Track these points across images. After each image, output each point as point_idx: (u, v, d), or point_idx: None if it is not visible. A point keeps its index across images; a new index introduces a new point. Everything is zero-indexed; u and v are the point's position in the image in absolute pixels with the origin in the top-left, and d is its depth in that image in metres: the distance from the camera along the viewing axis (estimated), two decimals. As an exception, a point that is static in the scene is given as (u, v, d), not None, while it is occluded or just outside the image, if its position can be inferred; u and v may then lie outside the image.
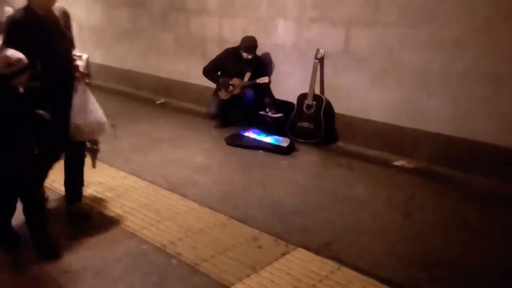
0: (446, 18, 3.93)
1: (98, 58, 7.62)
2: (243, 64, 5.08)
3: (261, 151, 4.52)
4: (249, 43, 5.02)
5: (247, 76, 5.05)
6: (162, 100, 6.38)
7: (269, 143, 4.59)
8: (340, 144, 4.77)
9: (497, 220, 3.32)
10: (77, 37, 7.82)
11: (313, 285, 2.50)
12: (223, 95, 5.14)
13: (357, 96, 4.64)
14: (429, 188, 3.81)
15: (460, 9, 3.84)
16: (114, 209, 3.30)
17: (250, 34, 5.25)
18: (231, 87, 5.07)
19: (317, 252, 2.82)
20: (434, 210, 3.44)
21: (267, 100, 5.01)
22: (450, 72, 3.99)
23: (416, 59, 4.16)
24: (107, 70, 7.46)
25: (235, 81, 5.07)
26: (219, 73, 5.18)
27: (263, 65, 5.22)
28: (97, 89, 6.96)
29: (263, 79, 5.01)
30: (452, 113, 4.05)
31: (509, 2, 3.59)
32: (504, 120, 3.77)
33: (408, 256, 2.82)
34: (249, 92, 5.05)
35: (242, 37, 5.09)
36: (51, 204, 3.34)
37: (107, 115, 3.31)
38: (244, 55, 5.04)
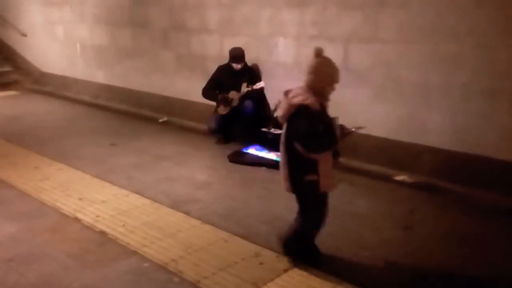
0: (444, 34, 3.97)
1: (101, 78, 7.73)
2: (237, 76, 5.17)
3: (263, 168, 4.53)
4: (235, 53, 5.16)
5: (244, 86, 5.12)
6: (164, 119, 6.43)
7: (271, 160, 4.60)
8: (341, 159, 4.76)
9: (498, 233, 3.30)
10: (81, 57, 8.01)
11: (315, 301, 2.49)
12: (222, 110, 5.21)
13: (358, 111, 4.66)
14: (429, 202, 3.81)
15: (458, 25, 3.88)
16: (115, 227, 3.31)
17: (251, 52, 5.33)
18: (230, 101, 5.13)
19: (319, 267, 2.81)
20: (434, 224, 3.43)
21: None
22: (449, 87, 4.02)
23: (415, 75, 4.19)
24: (110, 89, 7.55)
25: (233, 93, 5.14)
26: (217, 91, 5.24)
27: (256, 73, 5.33)
28: (100, 109, 7.13)
29: (258, 84, 5.09)
30: (451, 127, 4.07)
31: (507, 18, 3.64)
32: (503, 134, 3.78)
33: (410, 270, 2.82)
34: (248, 103, 5.10)
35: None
36: (52, 222, 3.37)
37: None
38: (234, 66, 5.16)
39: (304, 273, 2.76)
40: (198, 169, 4.54)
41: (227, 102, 5.16)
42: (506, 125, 3.76)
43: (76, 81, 8.27)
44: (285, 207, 3.68)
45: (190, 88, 5.94)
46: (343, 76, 4.63)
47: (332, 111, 4.78)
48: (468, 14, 3.82)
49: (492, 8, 3.68)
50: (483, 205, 3.70)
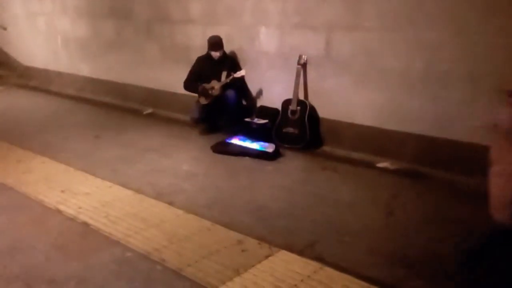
0: (424, 22, 4.00)
1: (85, 71, 7.67)
2: (216, 66, 5.18)
3: (247, 158, 4.55)
4: (213, 40, 5.17)
5: (224, 75, 5.13)
6: (149, 111, 6.41)
7: (255, 150, 4.62)
8: (325, 148, 4.82)
9: (479, 217, 3.35)
10: (63, 50, 7.97)
11: (295, 285, 2.52)
12: (203, 100, 5.21)
13: (341, 100, 4.70)
14: (412, 188, 3.86)
15: (438, 13, 3.92)
16: (98, 218, 3.31)
17: (234, 41, 5.33)
18: (210, 91, 5.13)
19: (301, 253, 2.84)
20: (416, 209, 3.48)
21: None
22: (430, 74, 4.06)
23: (397, 62, 4.23)
24: (94, 82, 7.50)
25: (213, 83, 5.15)
26: (199, 83, 5.24)
27: (236, 61, 5.36)
28: (85, 102, 7.09)
29: (240, 73, 5.10)
30: (433, 114, 4.11)
31: (485, 5, 3.67)
32: (483, 120, 3.83)
33: (391, 254, 2.86)
34: (230, 93, 5.11)
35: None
36: (34, 214, 3.37)
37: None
38: (213, 54, 5.17)
39: (286, 259, 2.79)
40: (183, 160, 4.55)
41: (207, 92, 5.16)
42: (486, 110, 3.81)
43: (59, 74, 8.20)
44: (268, 196, 3.73)
45: (175, 80, 5.92)
46: (325, 65, 4.71)
47: (314, 100, 4.85)
48: (448, 2, 3.85)
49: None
50: (465, 189, 3.76)
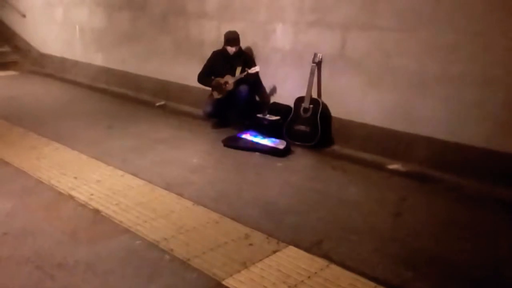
0: (441, 22, 3.99)
1: (100, 61, 7.74)
2: (231, 61, 5.20)
3: (257, 153, 4.58)
4: (230, 35, 5.19)
5: (238, 70, 5.15)
6: (161, 102, 6.46)
7: (266, 145, 4.64)
8: (335, 147, 4.82)
9: (486, 222, 3.37)
10: (80, 40, 8.04)
11: (302, 281, 2.55)
12: (216, 95, 5.24)
13: (353, 99, 4.70)
14: (421, 190, 3.86)
15: (455, 13, 3.90)
16: (109, 205, 3.36)
17: (248, 37, 5.35)
18: (224, 85, 5.16)
19: (308, 250, 2.86)
20: (425, 212, 3.49)
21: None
22: (445, 76, 4.04)
23: (412, 63, 4.22)
24: (108, 72, 7.57)
25: (227, 78, 5.17)
26: (212, 77, 5.27)
27: (251, 57, 5.36)
28: (98, 91, 7.16)
29: (254, 69, 5.11)
30: (445, 117, 4.10)
31: (504, 6, 3.65)
32: (496, 124, 3.82)
33: (397, 254, 2.87)
34: (243, 88, 5.13)
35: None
36: (47, 199, 3.42)
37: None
38: (229, 49, 5.19)
39: (292, 255, 2.81)
40: (193, 153, 4.59)
41: (220, 86, 5.19)
42: (499, 115, 3.79)
43: (75, 63, 8.28)
44: (277, 192, 3.75)
45: (188, 73, 5.96)
46: (339, 64, 4.71)
47: (326, 99, 4.85)
48: (465, 2, 3.83)
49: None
50: (474, 194, 3.75)
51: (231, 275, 2.58)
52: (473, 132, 3.94)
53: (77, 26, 8.04)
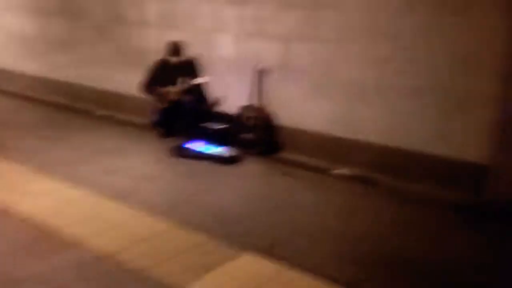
0: (376, 36, 4.23)
1: (33, 70, 7.39)
2: (175, 70, 5.17)
3: (206, 162, 4.58)
4: (171, 46, 5.17)
5: (181, 80, 5.12)
6: (102, 112, 6.26)
7: (214, 154, 4.65)
8: (284, 154, 4.92)
9: (429, 221, 3.59)
10: (9, 48, 7.58)
11: (260, 286, 2.58)
12: (161, 104, 5.19)
13: (297, 108, 4.83)
14: (365, 194, 4.04)
15: (387, 28, 4.15)
16: (58, 220, 3.22)
17: (191, 46, 5.34)
18: (167, 95, 5.12)
19: (262, 255, 2.91)
20: (371, 214, 3.65)
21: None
22: (381, 85, 4.27)
23: (351, 73, 4.42)
24: (42, 81, 7.23)
25: (170, 87, 5.13)
26: (156, 86, 5.20)
27: (195, 67, 5.32)
28: (33, 101, 6.82)
29: (203, 79, 5.12)
30: (385, 123, 4.33)
31: (429, 23, 3.94)
32: (431, 130, 4.09)
33: (348, 256, 2.98)
34: (188, 97, 5.12)
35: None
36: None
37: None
38: (172, 59, 5.15)
39: (248, 261, 2.84)
40: (140, 162, 4.50)
41: (163, 97, 5.14)
42: (433, 121, 4.07)
43: (5, 72, 7.83)
44: (228, 199, 3.78)
45: (130, 81, 5.84)
46: (283, 73, 4.84)
47: (271, 107, 4.95)
48: (395, 18, 4.09)
49: (415, 13, 3.99)
50: (416, 195, 3.97)
51: (187, 284, 2.57)
52: (412, 137, 4.18)
53: (2, 33, 7.61)
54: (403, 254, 3.05)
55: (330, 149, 4.64)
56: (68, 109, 6.51)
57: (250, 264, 2.81)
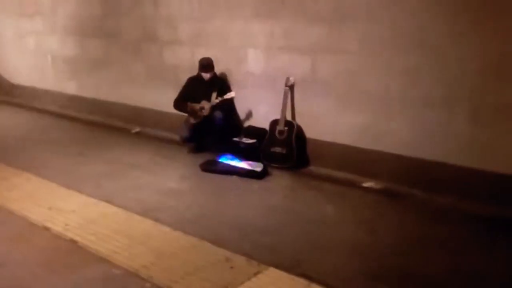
0: (402, 47, 4.14)
1: (72, 89, 7.68)
2: (206, 86, 5.25)
3: (234, 176, 4.59)
4: (204, 62, 5.26)
5: (214, 95, 5.19)
6: (137, 130, 6.42)
7: (243, 168, 4.66)
8: (311, 167, 4.88)
9: (457, 236, 3.44)
10: (52, 68, 7.97)
11: (284, 302, 2.55)
12: (193, 119, 5.27)
13: (325, 120, 4.79)
14: (392, 207, 3.93)
15: (416, 39, 4.06)
16: (85, 235, 3.30)
17: (221, 63, 5.42)
18: (200, 111, 5.19)
19: (288, 270, 2.87)
20: (398, 228, 3.55)
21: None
22: (408, 96, 4.18)
23: (378, 85, 4.35)
24: (79, 100, 7.51)
25: (203, 103, 5.20)
26: (188, 102, 5.30)
27: (225, 83, 5.42)
28: (70, 120, 7.08)
29: (229, 94, 5.17)
30: (411, 135, 4.21)
31: (460, 33, 3.83)
32: (459, 141, 3.95)
33: (374, 271, 2.91)
34: (218, 113, 5.17)
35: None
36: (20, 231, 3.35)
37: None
38: (203, 75, 5.25)
39: (274, 276, 2.82)
40: (170, 178, 4.57)
41: (196, 112, 5.22)
42: (461, 132, 3.94)
43: (46, 92, 8.18)
44: (255, 214, 3.77)
45: (162, 99, 5.98)
46: (311, 86, 4.82)
47: (300, 120, 4.93)
48: (422, 28, 4.00)
49: (442, 22, 3.89)
50: (444, 209, 3.84)
51: (212, 299, 2.57)
52: (439, 149, 4.05)
53: (49, 55, 7.98)
54: (430, 270, 2.94)
55: (357, 161, 4.56)
56: (102, 126, 6.70)
57: (276, 280, 2.78)
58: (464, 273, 2.93)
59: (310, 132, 4.94)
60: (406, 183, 4.20)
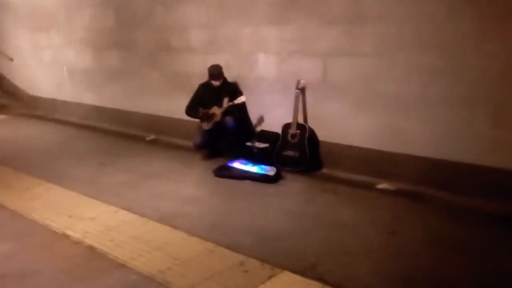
0: (419, 47, 4.15)
1: (89, 99, 7.85)
2: (218, 93, 5.32)
3: (248, 181, 4.65)
4: (212, 71, 5.33)
5: (225, 101, 5.26)
6: (152, 137, 6.54)
7: (256, 173, 4.72)
8: (325, 170, 4.91)
9: (479, 237, 3.43)
10: (68, 80, 8.17)
11: (298, 304, 2.59)
12: (205, 126, 5.34)
13: (339, 123, 4.82)
14: (411, 208, 3.93)
15: (432, 39, 4.06)
16: (104, 242, 3.39)
17: (233, 68, 5.50)
18: (211, 116, 5.26)
19: (303, 274, 2.90)
20: (417, 229, 3.55)
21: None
22: (425, 97, 4.18)
23: (393, 87, 4.36)
24: (98, 110, 7.67)
25: (214, 109, 5.28)
26: (200, 108, 5.37)
27: (236, 88, 5.49)
28: (89, 130, 7.24)
29: (240, 99, 5.22)
30: (430, 136, 4.22)
31: (478, 31, 3.82)
32: (481, 141, 3.93)
33: (392, 274, 2.91)
34: (229, 118, 5.24)
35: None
36: (42, 239, 3.45)
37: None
38: (213, 83, 5.31)
39: (288, 280, 2.85)
40: (185, 185, 4.65)
41: (208, 117, 5.30)
42: (482, 132, 3.92)
43: (65, 103, 8.38)
44: (269, 218, 3.81)
45: (177, 106, 6.07)
46: (323, 89, 4.85)
47: (313, 123, 4.97)
48: (440, 28, 4.00)
49: (462, 21, 3.89)
50: (464, 209, 3.83)
51: (228, 303, 2.62)
52: (459, 149, 4.04)
53: (65, 67, 8.17)
54: (450, 272, 2.94)
55: (373, 163, 4.58)
56: (120, 135, 6.85)
57: (290, 283, 2.81)
58: (487, 275, 2.92)
59: (324, 135, 4.98)
60: (425, 184, 4.21)
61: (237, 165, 4.88)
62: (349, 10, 4.52)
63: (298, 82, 4.93)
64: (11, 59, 9.30)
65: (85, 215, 3.88)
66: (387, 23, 4.30)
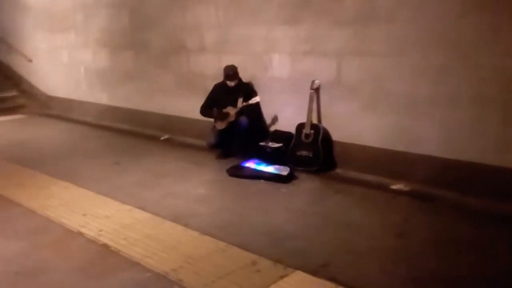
0: (429, 46, 4.11)
1: (105, 100, 7.93)
2: (232, 92, 5.33)
3: (262, 181, 4.64)
4: (227, 71, 5.34)
5: (240, 101, 5.27)
6: (166, 136, 6.59)
7: (270, 173, 4.71)
8: (338, 170, 4.89)
9: (490, 238, 3.38)
10: (85, 80, 8.29)
11: (310, 304, 2.58)
12: (219, 125, 5.36)
13: (352, 123, 4.79)
14: (423, 209, 3.89)
15: (443, 38, 4.02)
16: (118, 240, 3.42)
17: (247, 68, 5.50)
18: (226, 116, 5.28)
19: (314, 273, 2.89)
20: (428, 230, 3.51)
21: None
22: (436, 96, 4.14)
23: (404, 86, 4.33)
24: (113, 110, 7.75)
25: (229, 109, 5.29)
26: (214, 108, 5.39)
27: (251, 88, 5.50)
28: (105, 129, 7.32)
29: (255, 99, 5.23)
30: (442, 135, 4.17)
31: (490, 29, 3.77)
32: (493, 140, 3.88)
33: (403, 274, 2.89)
34: (243, 118, 5.24)
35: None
36: (57, 237, 3.50)
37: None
38: (228, 83, 5.33)
39: (300, 279, 2.85)
40: (199, 184, 4.67)
41: (222, 117, 5.31)
42: (495, 131, 3.86)
43: (81, 103, 8.48)
44: (282, 218, 3.80)
45: (191, 106, 6.11)
46: (336, 89, 4.83)
47: (326, 123, 4.95)
48: (452, 27, 3.96)
49: (473, 20, 3.84)
50: (476, 210, 3.78)
51: (240, 302, 2.62)
52: (472, 149, 3.99)
53: (82, 68, 8.28)
54: (462, 273, 2.91)
55: (386, 164, 4.54)
56: (135, 135, 6.91)
57: (302, 283, 2.81)
58: (497, 275, 2.88)
59: (337, 135, 4.95)
60: (437, 184, 4.16)
61: (251, 164, 4.88)
62: (362, 9, 4.50)
63: (313, 82, 4.91)
64: (30, 60, 9.45)
65: (99, 213, 3.92)
66: (397, 22, 4.28)
